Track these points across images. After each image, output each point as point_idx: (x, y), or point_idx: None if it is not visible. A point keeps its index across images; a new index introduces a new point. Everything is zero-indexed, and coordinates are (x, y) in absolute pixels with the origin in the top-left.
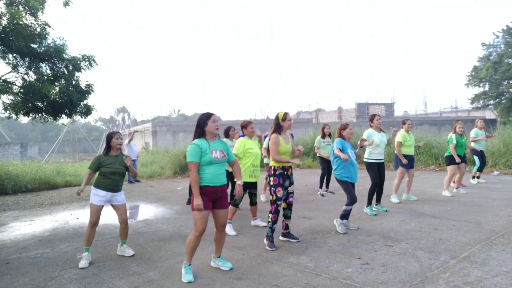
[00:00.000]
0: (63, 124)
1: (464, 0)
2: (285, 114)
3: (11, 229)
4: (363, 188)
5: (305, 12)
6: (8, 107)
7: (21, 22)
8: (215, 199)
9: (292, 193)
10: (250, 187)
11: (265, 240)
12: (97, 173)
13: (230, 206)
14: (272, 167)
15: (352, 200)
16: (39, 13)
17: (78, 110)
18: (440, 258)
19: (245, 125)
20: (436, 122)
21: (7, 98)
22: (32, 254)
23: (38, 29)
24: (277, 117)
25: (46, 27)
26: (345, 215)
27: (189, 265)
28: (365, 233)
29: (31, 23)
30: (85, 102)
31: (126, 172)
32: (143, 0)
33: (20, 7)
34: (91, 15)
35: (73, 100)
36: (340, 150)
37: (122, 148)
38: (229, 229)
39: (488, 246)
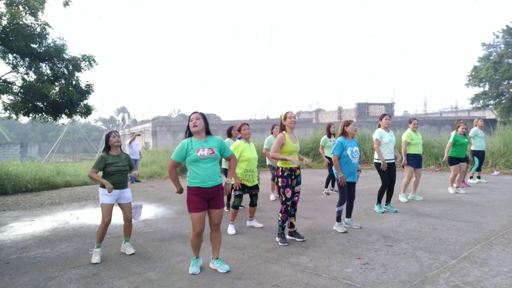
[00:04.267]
0: (63, 124)
1: (464, 0)
2: (286, 113)
3: (11, 229)
4: (363, 188)
5: (305, 12)
6: (8, 107)
7: (21, 22)
8: (209, 199)
9: (298, 192)
10: (251, 188)
11: (276, 238)
12: (101, 173)
13: (231, 208)
14: (280, 168)
15: (342, 200)
16: (39, 13)
17: (78, 110)
18: (440, 258)
19: (239, 127)
20: (436, 122)
21: (7, 98)
22: (32, 254)
23: (38, 29)
24: (280, 117)
25: (46, 27)
26: (339, 217)
27: (197, 258)
28: (365, 233)
29: (31, 23)
30: (85, 102)
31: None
32: (143, 0)
33: (20, 7)
34: (91, 15)
35: (73, 100)
36: (339, 155)
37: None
38: (230, 229)
39: (488, 246)
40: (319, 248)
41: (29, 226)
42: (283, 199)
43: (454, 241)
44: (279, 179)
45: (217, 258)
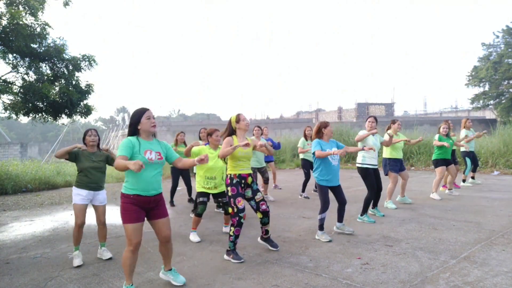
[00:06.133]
0: (63, 124)
1: (464, 0)
2: (238, 115)
3: (11, 229)
4: (362, 189)
5: (305, 12)
6: (8, 107)
7: (21, 22)
8: (148, 208)
9: (263, 200)
10: (218, 196)
11: (226, 256)
12: (77, 172)
13: (194, 216)
14: (228, 176)
15: (324, 206)
16: (39, 13)
17: (78, 110)
18: (440, 258)
19: (210, 132)
20: (436, 122)
21: (7, 98)
22: (32, 254)
23: (38, 29)
24: (230, 121)
25: (46, 27)
26: (321, 225)
27: (131, 285)
28: (365, 233)
29: (31, 23)
30: (85, 102)
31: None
32: (143, 0)
33: (20, 7)
34: (91, 15)
35: (73, 100)
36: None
37: (108, 147)
38: (193, 237)
39: (488, 246)
40: (319, 248)
41: (29, 226)
42: (235, 210)
43: (454, 241)
44: (229, 188)
45: (169, 270)
